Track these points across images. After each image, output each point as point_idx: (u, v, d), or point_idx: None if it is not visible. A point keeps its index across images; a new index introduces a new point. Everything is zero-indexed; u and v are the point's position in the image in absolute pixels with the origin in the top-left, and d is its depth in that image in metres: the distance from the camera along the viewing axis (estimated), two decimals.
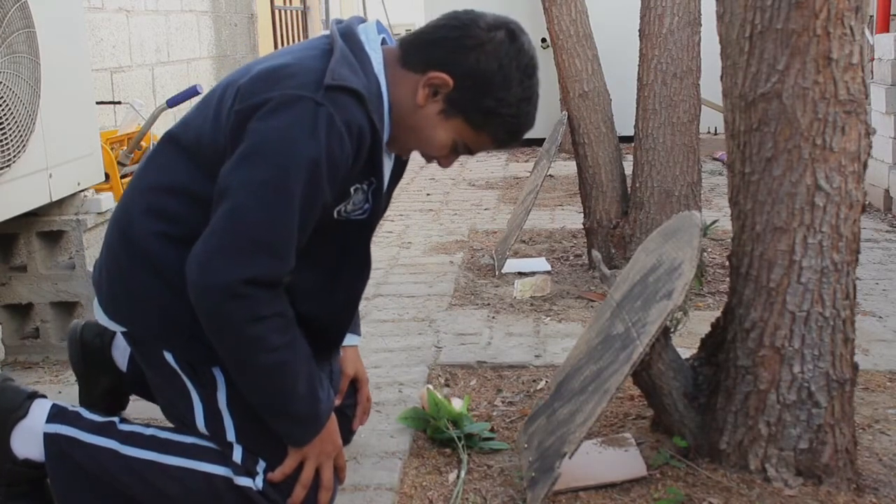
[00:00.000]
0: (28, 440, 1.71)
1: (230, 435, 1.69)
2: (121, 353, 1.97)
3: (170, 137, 1.71)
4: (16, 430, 1.71)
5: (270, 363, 1.57)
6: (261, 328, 1.54)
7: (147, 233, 1.65)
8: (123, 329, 1.73)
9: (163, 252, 1.64)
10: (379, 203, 1.72)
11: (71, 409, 1.75)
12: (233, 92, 1.59)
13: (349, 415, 2.00)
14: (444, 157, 1.71)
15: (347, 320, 1.85)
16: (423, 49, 1.63)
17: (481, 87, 1.60)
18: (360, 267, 1.81)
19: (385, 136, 1.66)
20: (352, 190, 1.65)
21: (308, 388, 1.63)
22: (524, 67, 1.62)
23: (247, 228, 1.51)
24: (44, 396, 1.78)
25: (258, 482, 1.67)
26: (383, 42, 1.69)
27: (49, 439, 1.70)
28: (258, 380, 1.60)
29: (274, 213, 1.52)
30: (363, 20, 1.71)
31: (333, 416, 1.72)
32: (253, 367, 1.58)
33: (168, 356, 1.69)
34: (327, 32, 1.69)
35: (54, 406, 1.74)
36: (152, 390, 1.81)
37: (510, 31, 1.62)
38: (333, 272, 1.75)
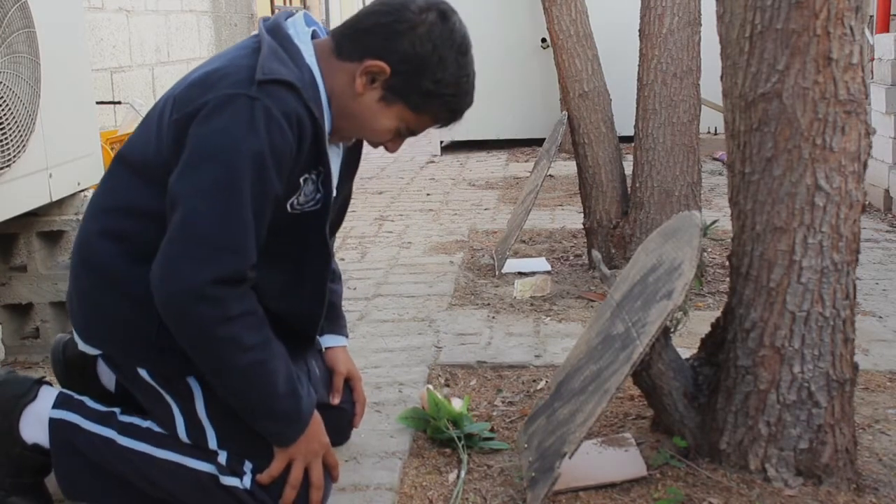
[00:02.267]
0: (36, 425, 1.74)
1: (212, 443, 1.70)
2: (107, 372, 1.96)
3: (119, 158, 1.73)
4: (24, 414, 1.74)
5: (246, 363, 1.58)
6: (233, 328, 1.55)
7: (106, 254, 1.68)
8: (98, 352, 1.75)
9: (122, 270, 1.67)
10: (329, 191, 1.72)
11: (76, 397, 1.78)
12: (170, 104, 1.61)
13: (348, 410, 2.01)
14: (391, 141, 1.73)
15: (318, 314, 1.86)
16: (356, 38, 1.65)
17: (418, 71, 1.62)
18: (322, 258, 1.82)
19: (327, 126, 1.67)
20: (301, 181, 1.66)
21: (287, 386, 1.64)
22: (458, 46, 1.64)
23: (203, 231, 1.53)
24: (50, 384, 1.81)
25: (246, 482, 1.68)
26: (314, 34, 1.70)
27: (54, 425, 1.73)
28: (236, 382, 1.60)
29: (226, 211, 1.53)
30: (291, 14, 1.72)
31: (318, 416, 1.73)
32: (230, 370, 1.58)
33: (143, 373, 1.71)
34: (256, 32, 1.71)
35: (61, 393, 1.78)
36: (143, 406, 1.82)
37: (441, 12, 1.63)
38: (297, 267, 1.77)
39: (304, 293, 1.81)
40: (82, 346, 1.76)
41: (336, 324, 2.03)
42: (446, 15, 1.63)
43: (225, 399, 1.64)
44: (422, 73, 1.62)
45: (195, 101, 1.56)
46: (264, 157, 1.53)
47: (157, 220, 1.61)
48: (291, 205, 1.67)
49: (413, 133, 1.72)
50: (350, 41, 1.65)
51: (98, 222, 1.71)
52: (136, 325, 1.67)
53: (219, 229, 1.53)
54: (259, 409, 1.64)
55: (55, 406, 1.75)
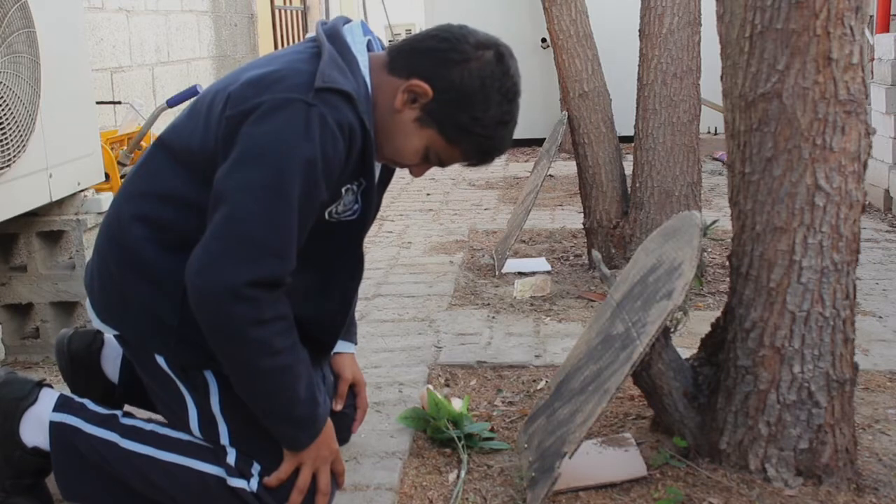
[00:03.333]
0: (36, 429, 1.73)
1: (224, 439, 1.70)
2: (111, 364, 1.97)
3: (160, 143, 1.72)
4: (25, 417, 1.74)
5: (273, 367, 1.57)
6: (264, 331, 1.54)
7: (137, 238, 1.67)
8: (115, 332, 1.74)
9: (152, 257, 1.66)
10: (369, 204, 1.72)
11: (77, 399, 1.78)
12: (223, 98, 1.60)
13: (349, 415, 2.01)
14: (416, 165, 1.72)
15: (342, 322, 1.86)
16: (409, 56, 1.64)
17: (459, 103, 1.61)
18: (352, 268, 1.82)
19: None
20: (343, 191, 1.66)
21: (308, 392, 1.63)
22: (506, 91, 1.63)
23: (248, 231, 1.52)
24: (50, 386, 1.81)
25: (253, 484, 1.67)
26: (369, 44, 1.70)
27: (54, 427, 1.73)
28: (260, 384, 1.59)
29: (273, 214, 1.52)
30: (348, 20, 1.72)
31: (330, 422, 1.72)
32: (256, 372, 1.58)
33: (160, 360, 1.70)
34: (313, 35, 1.70)
35: (61, 396, 1.78)
36: (150, 394, 1.81)
37: (499, 53, 1.63)
38: (327, 274, 1.76)
39: (331, 300, 1.80)
40: (97, 324, 1.75)
41: (347, 330, 2.02)
42: (503, 58, 1.63)
43: (243, 398, 1.63)
44: (462, 107, 1.61)
45: (250, 100, 1.55)
46: (316, 164, 1.52)
47: (193, 210, 1.60)
48: (329, 213, 1.67)
49: (441, 163, 1.71)
50: (403, 58, 1.65)
51: (132, 205, 1.69)
52: (159, 312, 1.66)
53: (264, 231, 1.52)
54: (277, 412, 1.63)
55: (55, 409, 1.74)
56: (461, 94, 1.61)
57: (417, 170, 1.74)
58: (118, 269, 1.69)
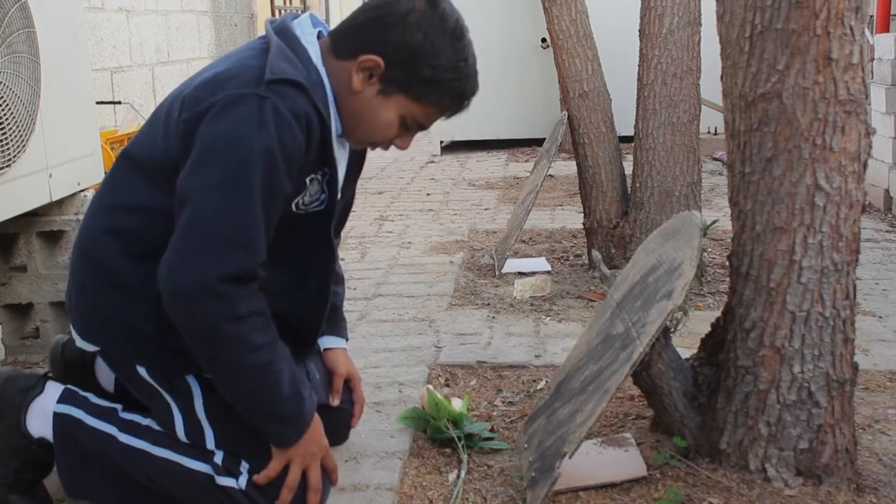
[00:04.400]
0: (41, 419, 1.75)
1: (210, 443, 1.71)
2: (105, 373, 1.97)
3: (124, 156, 1.73)
4: (31, 408, 1.76)
5: (253, 364, 1.58)
6: (241, 327, 1.55)
7: (107, 251, 1.68)
8: (95, 348, 1.75)
9: (124, 267, 1.67)
10: (334, 192, 1.72)
11: (81, 392, 1.79)
12: (178, 104, 1.62)
13: (347, 410, 2.01)
14: (398, 137, 1.72)
15: (321, 314, 1.86)
16: (350, 35, 1.66)
17: (412, 60, 1.62)
18: (326, 258, 1.82)
19: (337, 128, 1.68)
20: (307, 181, 1.66)
21: (291, 388, 1.64)
22: (451, 31, 1.63)
23: (213, 227, 1.52)
24: (55, 379, 1.82)
25: (241, 482, 1.68)
26: (320, 35, 1.71)
27: (58, 419, 1.75)
28: (242, 382, 1.60)
29: (237, 208, 1.53)
30: (297, 15, 1.73)
31: (318, 418, 1.73)
32: (236, 370, 1.58)
33: (142, 370, 1.71)
34: (263, 33, 1.71)
35: (66, 388, 1.79)
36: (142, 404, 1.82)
37: (429, 0, 1.63)
38: (301, 267, 1.77)
39: (307, 294, 1.81)
40: (80, 343, 1.77)
41: (336, 326, 2.03)
42: (435, 2, 1.63)
43: (227, 398, 1.64)
44: (417, 62, 1.62)
45: (204, 101, 1.56)
46: (274, 154, 1.53)
47: (160, 217, 1.61)
48: (296, 205, 1.68)
49: (422, 126, 1.71)
50: (345, 39, 1.66)
51: (100, 219, 1.71)
52: (135, 321, 1.67)
53: (229, 226, 1.53)
54: (262, 410, 1.64)
55: (59, 400, 1.76)
56: (410, 52, 1.61)
57: (402, 141, 1.74)
58: (92, 284, 1.71)
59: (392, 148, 1.77)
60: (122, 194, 1.70)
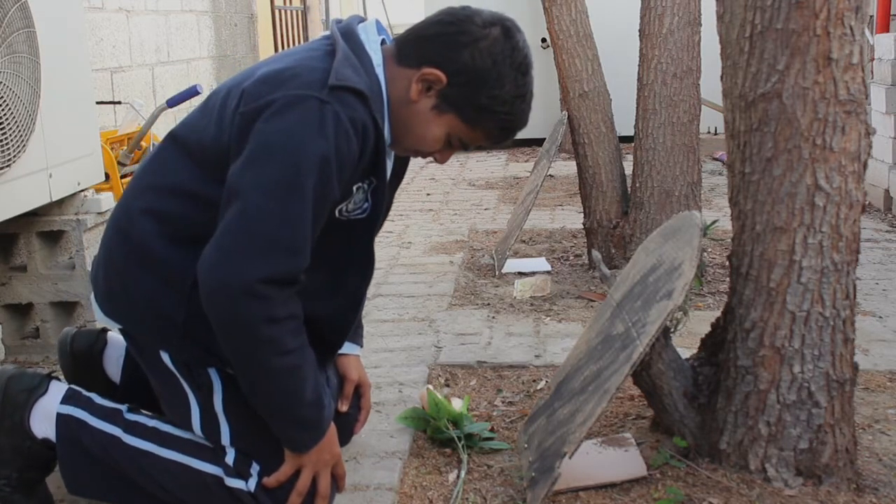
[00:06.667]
0: (44, 420, 1.74)
1: (224, 438, 1.70)
2: (114, 365, 1.96)
3: (172, 138, 1.71)
4: (35, 408, 1.74)
5: (282, 366, 1.57)
6: (276, 330, 1.54)
7: (145, 232, 1.66)
8: (119, 326, 1.73)
9: (160, 251, 1.65)
10: (379, 202, 1.72)
11: (85, 393, 1.78)
12: (237, 94, 1.60)
13: (352, 415, 2.01)
14: (439, 152, 1.72)
15: (351, 321, 1.85)
16: (417, 45, 1.64)
17: (475, 84, 1.61)
18: (362, 267, 1.81)
19: (387, 136, 1.67)
20: (354, 189, 1.66)
21: (314, 394, 1.63)
22: (518, 65, 1.62)
23: (262, 227, 1.51)
24: (59, 379, 1.81)
25: (251, 484, 1.67)
26: (382, 42, 1.70)
27: (61, 420, 1.73)
28: (267, 383, 1.59)
29: (288, 210, 1.51)
30: (363, 19, 1.72)
31: (333, 426, 1.72)
32: (264, 371, 1.57)
33: (164, 356, 1.70)
34: (327, 33, 1.70)
35: (70, 389, 1.78)
36: (155, 392, 1.81)
37: (505, 29, 1.63)
38: (337, 272, 1.76)
39: (341, 299, 1.79)
40: (102, 319, 1.75)
41: (354, 332, 2.02)
42: (510, 32, 1.63)
43: (250, 397, 1.62)
44: (478, 87, 1.61)
45: (264, 97, 1.54)
46: (330, 161, 1.52)
47: (203, 204, 1.60)
48: (340, 211, 1.67)
49: (464, 146, 1.71)
50: (411, 47, 1.65)
51: (142, 199, 1.69)
52: (165, 307, 1.66)
53: (278, 228, 1.51)
54: (283, 413, 1.63)
55: (63, 401, 1.75)
56: (475, 76, 1.60)
57: (441, 156, 1.74)
58: (125, 263, 1.69)
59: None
60: (167, 176, 1.68)
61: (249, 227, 1.51)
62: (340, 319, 1.83)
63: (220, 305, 1.52)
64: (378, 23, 1.72)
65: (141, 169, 1.74)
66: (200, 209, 1.61)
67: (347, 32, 1.66)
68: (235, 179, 1.54)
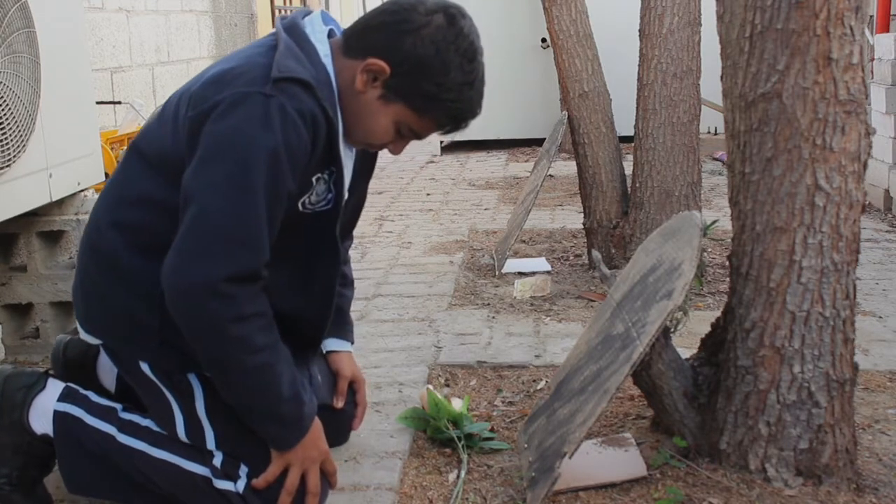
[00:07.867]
0: (42, 417, 1.75)
1: (210, 443, 1.70)
2: (107, 373, 1.97)
3: (133, 149, 1.73)
4: (34, 405, 1.76)
5: (254, 365, 1.57)
6: (244, 328, 1.54)
7: (114, 244, 1.68)
8: (99, 341, 1.75)
9: (130, 261, 1.67)
10: (341, 192, 1.72)
11: (82, 391, 1.79)
12: (186, 100, 1.61)
13: (348, 412, 2.01)
14: (392, 142, 1.71)
15: (325, 316, 1.86)
16: (363, 35, 1.64)
17: (418, 73, 1.60)
18: (331, 259, 1.81)
19: (340, 126, 1.67)
20: (313, 180, 1.66)
21: (291, 390, 1.63)
22: (464, 51, 1.61)
23: (217, 227, 1.52)
24: (56, 376, 1.83)
25: (239, 486, 1.68)
26: (331, 33, 1.70)
27: (58, 417, 1.74)
28: (242, 383, 1.60)
29: (241, 207, 1.52)
30: (309, 12, 1.72)
31: (318, 422, 1.72)
32: (237, 370, 1.58)
33: (144, 367, 1.71)
34: (273, 31, 1.70)
35: (66, 386, 1.79)
36: (143, 403, 1.82)
37: (449, 15, 1.61)
38: (306, 267, 1.77)
39: (312, 294, 1.80)
40: (84, 336, 1.76)
41: (342, 329, 2.02)
42: (454, 18, 1.61)
43: (227, 399, 1.64)
44: (423, 76, 1.60)
45: (210, 99, 1.55)
46: (279, 153, 1.53)
47: (168, 212, 1.60)
48: (303, 204, 1.67)
49: (417, 136, 1.71)
50: (357, 39, 1.65)
51: (109, 212, 1.70)
52: (139, 317, 1.67)
53: (233, 225, 1.52)
54: (261, 412, 1.63)
55: (60, 399, 1.76)
56: (418, 64, 1.59)
57: (395, 147, 1.73)
58: (98, 277, 1.71)
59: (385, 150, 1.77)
60: (132, 187, 1.69)
61: (206, 229, 1.52)
62: (315, 314, 1.83)
63: (186, 308, 1.54)
64: (325, 13, 1.72)
65: (109, 182, 1.76)
66: (167, 218, 1.61)
67: (290, 26, 1.66)
68: (188, 183, 1.55)
